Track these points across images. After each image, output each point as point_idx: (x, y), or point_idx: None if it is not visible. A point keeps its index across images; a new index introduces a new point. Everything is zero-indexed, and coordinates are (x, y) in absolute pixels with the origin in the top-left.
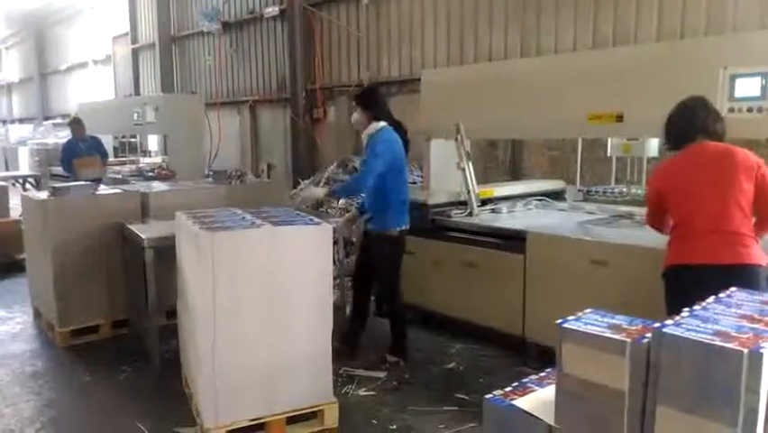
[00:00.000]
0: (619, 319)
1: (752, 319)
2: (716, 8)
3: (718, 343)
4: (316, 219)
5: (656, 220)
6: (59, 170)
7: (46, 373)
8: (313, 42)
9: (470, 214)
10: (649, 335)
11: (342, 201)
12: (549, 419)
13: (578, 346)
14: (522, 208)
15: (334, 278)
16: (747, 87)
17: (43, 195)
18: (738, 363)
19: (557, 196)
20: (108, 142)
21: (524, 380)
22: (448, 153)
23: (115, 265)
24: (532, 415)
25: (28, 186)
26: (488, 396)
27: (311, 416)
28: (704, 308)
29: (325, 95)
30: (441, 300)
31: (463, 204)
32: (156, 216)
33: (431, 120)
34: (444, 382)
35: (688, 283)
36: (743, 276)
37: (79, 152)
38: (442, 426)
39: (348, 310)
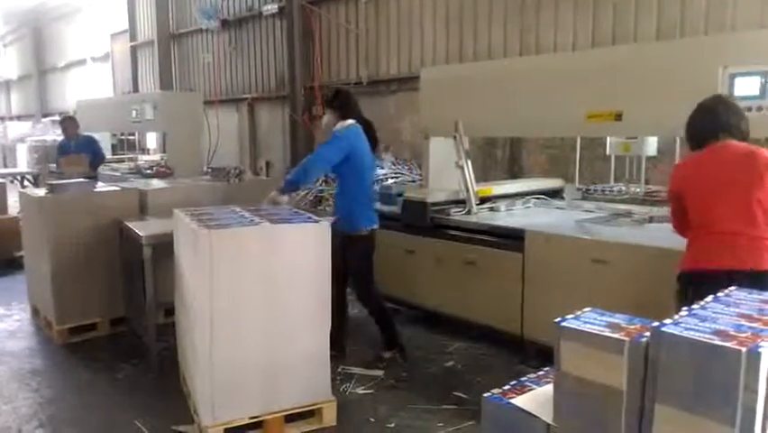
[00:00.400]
0: (618, 318)
1: (750, 318)
2: (715, 7)
3: (717, 342)
4: (315, 217)
5: (680, 223)
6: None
7: (44, 370)
8: (312, 40)
9: (469, 212)
10: (648, 333)
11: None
12: (547, 417)
13: (576, 345)
14: (521, 207)
15: None
16: (747, 86)
17: (41, 192)
18: (737, 362)
19: (556, 194)
20: (106, 140)
21: (522, 378)
22: (447, 151)
23: (113, 263)
24: (530, 413)
25: (26, 183)
26: (486, 394)
27: (309, 414)
28: (703, 307)
29: (324, 93)
30: (439, 299)
31: (462, 202)
32: (154, 214)
33: (430, 118)
34: (443, 380)
35: (705, 289)
36: (765, 282)
37: (70, 151)
38: (440, 424)
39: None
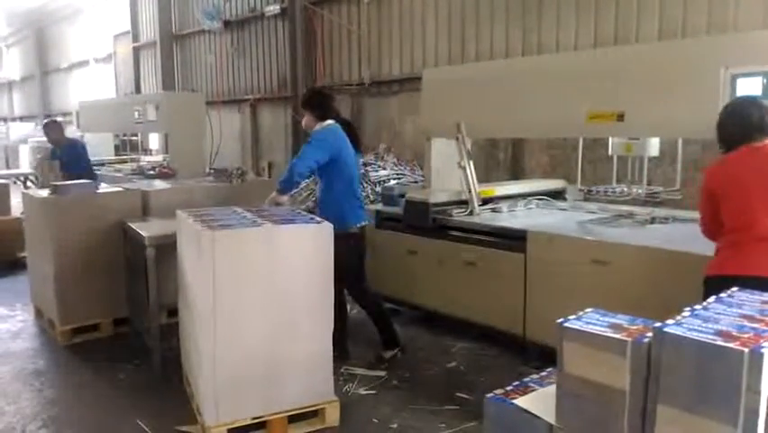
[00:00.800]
0: (620, 319)
1: (753, 319)
2: (717, 7)
3: (719, 342)
4: (317, 218)
5: (713, 225)
6: None
7: (47, 370)
8: (314, 41)
9: (471, 213)
10: (650, 334)
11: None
12: (550, 418)
13: (579, 346)
14: (523, 208)
15: None
16: (749, 87)
17: (44, 193)
18: (739, 362)
19: (558, 195)
20: (109, 141)
21: (524, 379)
22: (449, 152)
23: (116, 263)
24: (533, 414)
25: (29, 184)
26: (489, 395)
27: (312, 415)
28: (705, 308)
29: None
30: (441, 299)
31: (464, 203)
32: (157, 215)
33: (432, 119)
34: (445, 381)
35: None
36: None
37: (56, 157)
38: (442, 425)
39: None
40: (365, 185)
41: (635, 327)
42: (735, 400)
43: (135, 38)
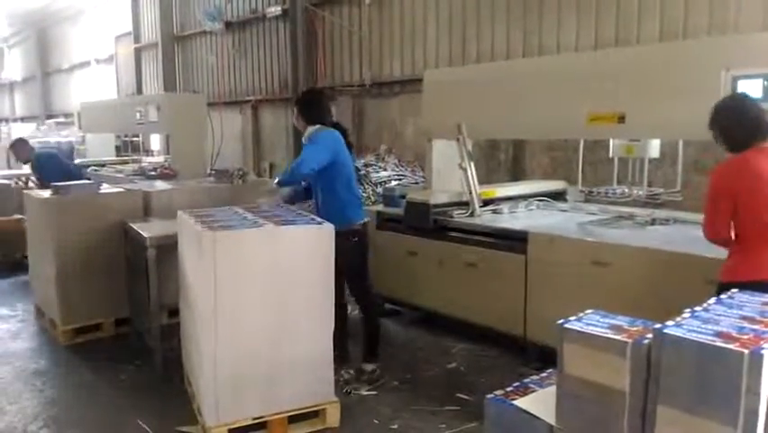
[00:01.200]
0: (620, 320)
1: (753, 321)
2: (718, 9)
3: (719, 344)
4: (318, 219)
5: (724, 229)
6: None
7: (48, 370)
8: (315, 42)
9: (472, 214)
10: (650, 335)
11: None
12: (550, 418)
13: (579, 347)
14: (523, 209)
15: None
16: (750, 89)
17: (46, 194)
18: (739, 363)
19: (559, 196)
20: (110, 142)
21: (525, 380)
22: (450, 153)
23: (118, 264)
24: (533, 415)
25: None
26: (489, 396)
27: (312, 415)
28: (705, 309)
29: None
30: (442, 300)
31: (465, 204)
32: (158, 215)
33: (433, 120)
34: (446, 381)
35: None
36: None
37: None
38: (443, 425)
39: None
40: (366, 186)
41: (635, 329)
42: (734, 401)
43: (137, 39)
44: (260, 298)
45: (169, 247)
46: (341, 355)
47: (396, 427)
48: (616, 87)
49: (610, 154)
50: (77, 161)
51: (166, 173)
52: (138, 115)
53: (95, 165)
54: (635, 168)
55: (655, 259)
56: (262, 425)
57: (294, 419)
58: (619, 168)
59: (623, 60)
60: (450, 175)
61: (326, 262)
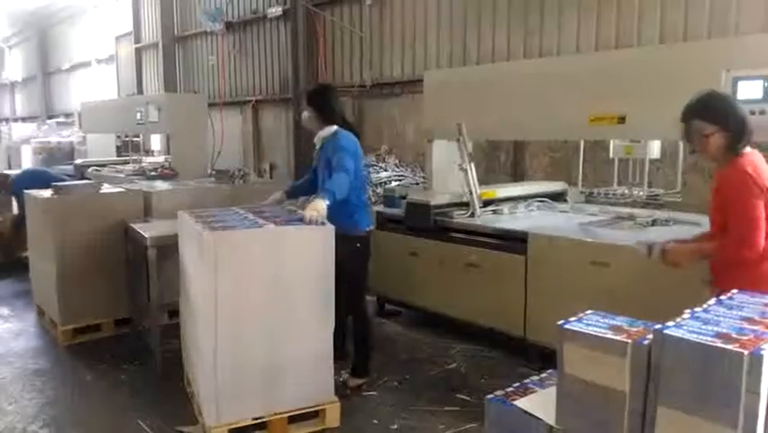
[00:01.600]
0: (620, 321)
1: (752, 321)
2: (718, 11)
3: (719, 344)
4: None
5: (763, 237)
6: (62, 169)
7: (48, 370)
8: (316, 43)
9: (472, 215)
10: (650, 336)
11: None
12: (550, 419)
13: (579, 347)
14: (524, 210)
15: None
16: (750, 90)
17: (47, 194)
18: (739, 364)
19: (559, 197)
20: (111, 142)
21: (525, 380)
22: (450, 154)
23: (118, 264)
24: (533, 415)
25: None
26: (489, 396)
27: (312, 415)
28: (705, 310)
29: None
30: (442, 301)
31: (465, 205)
32: (159, 216)
33: (433, 121)
34: (445, 382)
35: None
36: None
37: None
38: (443, 426)
39: None
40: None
41: (635, 329)
42: (734, 401)
43: (137, 39)
44: (261, 298)
45: (169, 247)
46: (340, 356)
47: (396, 427)
48: (616, 89)
49: (611, 155)
50: (77, 161)
51: (166, 173)
52: (138, 115)
53: (95, 165)
54: (636, 169)
55: (655, 259)
56: (262, 425)
57: (294, 419)
58: (619, 169)
59: (623, 62)
60: (450, 176)
61: (327, 262)
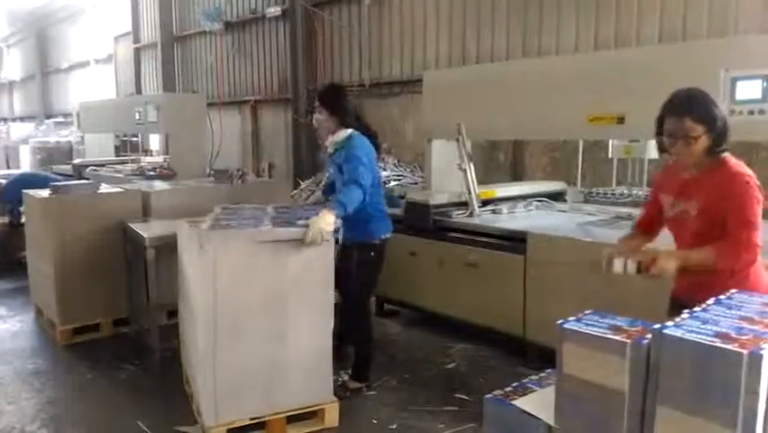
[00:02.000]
0: (619, 320)
1: (752, 321)
2: (717, 10)
3: (719, 344)
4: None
5: None
6: (61, 168)
7: (47, 370)
8: (315, 42)
9: (471, 214)
10: (649, 336)
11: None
12: (549, 419)
13: (578, 347)
14: (523, 209)
15: None
16: (748, 90)
17: (45, 193)
18: (738, 364)
19: (558, 197)
20: (109, 142)
21: (524, 380)
22: (449, 154)
23: (117, 264)
24: (532, 415)
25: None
26: (488, 396)
27: (311, 415)
28: (704, 310)
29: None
30: (441, 300)
31: (464, 204)
32: (157, 215)
33: (432, 120)
34: (445, 381)
35: None
36: None
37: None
38: (442, 425)
39: None
40: None
41: (634, 329)
42: (734, 401)
43: (136, 39)
44: (260, 298)
45: (168, 247)
46: (340, 357)
47: (395, 427)
48: (615, 88)
49: (609, 155)
50: (75, 160)
51: (165, 173)
52: (137, 114)
53: (94, 165)
54: (635, 168)
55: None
56: (261, 425)
57: (293, 419)
58: (618, 168)
59: (622, 61)
60: (449, 175)
61: (327, 262)
